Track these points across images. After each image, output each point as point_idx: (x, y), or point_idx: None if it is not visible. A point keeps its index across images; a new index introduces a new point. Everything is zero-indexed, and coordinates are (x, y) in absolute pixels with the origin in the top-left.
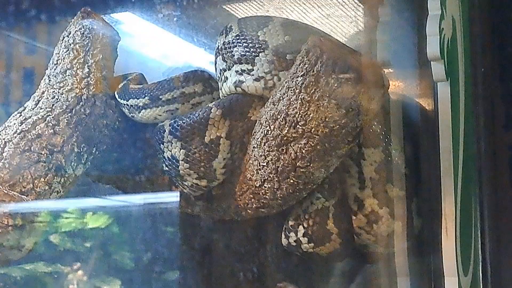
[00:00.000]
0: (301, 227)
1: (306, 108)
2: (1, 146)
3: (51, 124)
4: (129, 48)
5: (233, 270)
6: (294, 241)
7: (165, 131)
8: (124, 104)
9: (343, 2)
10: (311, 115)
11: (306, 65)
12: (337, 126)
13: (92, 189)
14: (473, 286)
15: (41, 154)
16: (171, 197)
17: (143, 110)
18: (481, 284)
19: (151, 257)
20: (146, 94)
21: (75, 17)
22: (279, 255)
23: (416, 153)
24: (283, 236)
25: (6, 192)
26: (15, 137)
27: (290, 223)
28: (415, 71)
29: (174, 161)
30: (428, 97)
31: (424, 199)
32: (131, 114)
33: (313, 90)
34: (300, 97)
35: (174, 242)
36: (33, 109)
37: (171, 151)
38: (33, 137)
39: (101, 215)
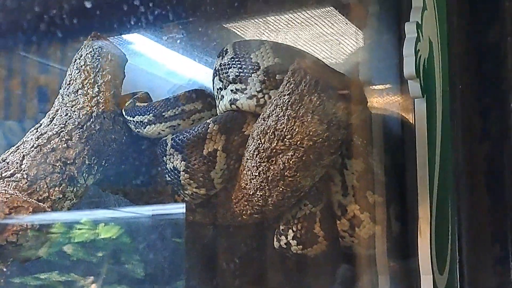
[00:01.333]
0: (290, 231)
1: (292, 123)
2: (20, 159)
3: (64, 139)
4: (137, 67)
5: (235, 277)
6: (285, 243)
7: (168, 144)
8: (131, 121)
9: (335, 23)
10: (296, 130)
11: (292, 85)
12: (320, 139)
13: (104, 200)
14: (449, 284)
15: (56, 166)
16: (178, 209)
17: (148, 126)
18: (458, 282)
19: (160, 266)
20: (151, 111)
21: (86, 41)
22: (275, 257)
23: (395, 163)
24: (275, 239)
25: (25, 199)
26: (32, 150)
27: (281, 227)
28: (398, 88)
29: (175, 172)
30: (409, 112)
31: (402, 204)
32: (137, 129)
33: (298, 107)
34: (286, 113)
35: (182, 251)
36: (48, 125)
37: (173, 163)
38: (48, 150)
39: (113, 226)
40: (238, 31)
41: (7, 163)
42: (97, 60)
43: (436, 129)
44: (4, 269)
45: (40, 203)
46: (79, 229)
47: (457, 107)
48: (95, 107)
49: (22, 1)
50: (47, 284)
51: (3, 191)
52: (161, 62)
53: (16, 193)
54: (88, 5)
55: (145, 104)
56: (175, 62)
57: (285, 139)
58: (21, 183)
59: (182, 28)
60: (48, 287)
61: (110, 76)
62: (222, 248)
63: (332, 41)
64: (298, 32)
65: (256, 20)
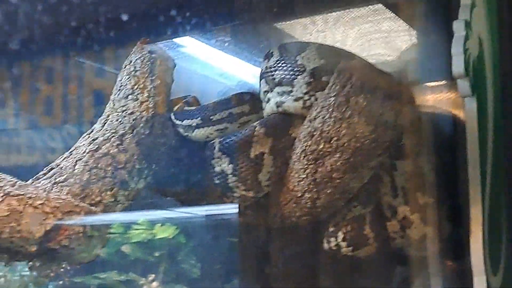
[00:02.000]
0: (340, 232)
1: (339, 125)
2: (73, 164)
3: (115, 144)
4: (189, 70)
5: (290, 275)
6: (335, 245)
7: (215, 148)
8: (180, 125)
9: (383, 21)
10: (343, 132)
11: (338, 86)
12: (367, 141)
13: (159, 202)
14: (504, 285)
15: (107, 170)
16: (232, 209)
17: (196, 130)
18: None
19: (215, 266)
20: (199, 115)
21: (135, 47)
22: (326, 259)
23: (446, 163)
24: (324, 241)
25: (77, 204)
26: (84, 156)
27: (331, 229)
28: (449, 85)
29: (223, 175)
30: (460, 111)
31: (453, 205)
32: (186, 133)
33: (344, 108)
34: (333, 115)
35: (236, 251)
36: (99, 130)
37: (220, 166)
38: (100, 155)
39: (169, 226)
40: (287, 31)
41: (61, 168)
42: (147, 65)
43: (488, 128)
44: (68, 268)
45: (92, 207)
46: (136, 229)
47: (509, 105)
48: (145, 112)
49: (78, 6)
50: (106, 284)
51: (56, 196)
52: (213, 64)
53: (68, 198)
54: (142, 10)
55: (194, 108)
56: (226, 64)
57: (331, 141)
58: (74, 188)
59: (232, 30)
60: (108, 287)
61: (159, 81)
62: (273, 250)
63: (381, 39)
64: (347, 31)
65: (304, 19)
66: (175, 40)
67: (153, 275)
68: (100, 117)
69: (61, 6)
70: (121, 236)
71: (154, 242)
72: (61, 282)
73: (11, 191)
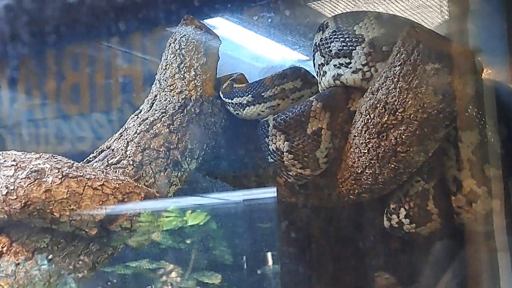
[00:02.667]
0: (402, 209)
1: (405, 96)
2: (125, 145)
3: (166, 124)
4: (220, 52)
5: (333, 259)
6: (396, 222)
7: (269, 125)
8: (229, 103)
9: None
10: (409, 102)
11: (403, 55)
12: (435, 111)
13: (198, 187)
14: None
15: (160, 151)
16: (268, 193)
17: (247, 108)
18: None
19: (249, 252)
20: (249, 92)
21: (179, 24)
22: (379, 240)
23: (511, 134)
24: (385, 218)
25: (136, 185)
26: (136, 136)
27: (392, 206)
28: (507, 57)
29: (279, 153)
30: None
31: None
32: (236, 112)
33: (411, 78)
34: (398, 85)
35: (271, 237)
36: (148, 111)
37: (275, 143)
38: (151, 136)
39: (200, 213)
40: (324, 9)
41: (112, 150)
42: (192, 43)
43: None
44: (86, 260)
45: (149, 189)
46: (167, 216)
47: None
48: (193, 91)
49: None
50: (138, 272)
51: (115, 177)
52: (245, 46)
53: (127, 179)
54: None
55: (243, 85)
56: (259, 45)
57: (397, 113)
58: (128, 169)
59: (266, 10)
60: (139, 275)
61: (205, 59)
62: (326, 230)
63: (430, 12)
64: (392, 4)
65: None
66: (206, 21)
67: (171, 265)
68: (131, 102)
69: None
70: (151, 224)
71: (185, 229)
72: (80, 275)
73: (69, 173)
